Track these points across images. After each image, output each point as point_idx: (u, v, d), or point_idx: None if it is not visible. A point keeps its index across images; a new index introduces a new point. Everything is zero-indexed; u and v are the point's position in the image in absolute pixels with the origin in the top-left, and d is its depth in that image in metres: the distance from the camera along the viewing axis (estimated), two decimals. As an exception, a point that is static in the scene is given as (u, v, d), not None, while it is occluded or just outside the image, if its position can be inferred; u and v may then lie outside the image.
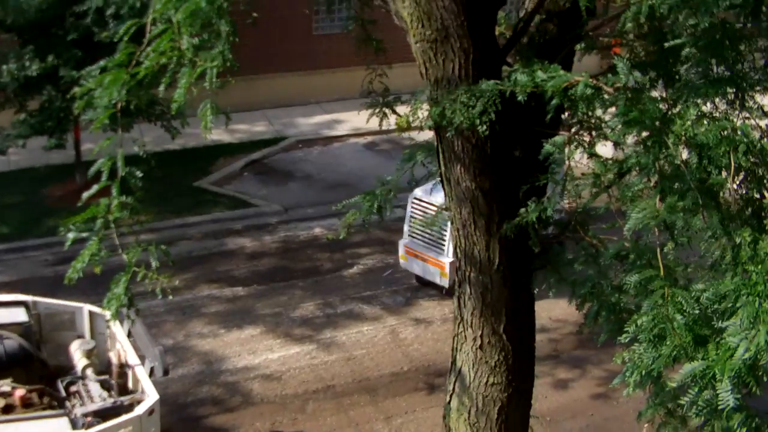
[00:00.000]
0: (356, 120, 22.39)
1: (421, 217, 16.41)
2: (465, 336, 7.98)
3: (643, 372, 5.05)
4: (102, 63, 6.09)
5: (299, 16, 24.73)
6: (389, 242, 18.24)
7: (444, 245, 16.08)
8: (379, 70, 9.03)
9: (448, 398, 8.38)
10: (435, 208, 15.88)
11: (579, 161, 6.26)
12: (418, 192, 15.99)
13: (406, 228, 16.93)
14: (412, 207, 16.58)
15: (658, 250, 5.43)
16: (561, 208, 7.20)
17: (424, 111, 6.64)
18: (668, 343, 4.94)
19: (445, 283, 16.31)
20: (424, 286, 16.99)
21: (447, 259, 15.98)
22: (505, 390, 7.97)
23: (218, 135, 22.64)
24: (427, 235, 16.34)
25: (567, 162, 6.16)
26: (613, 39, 7.05)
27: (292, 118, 24.98)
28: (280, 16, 24.53)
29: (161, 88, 6.06)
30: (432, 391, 14.05)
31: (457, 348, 8.17)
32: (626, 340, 5.20)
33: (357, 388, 14.12)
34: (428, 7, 6.26)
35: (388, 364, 14.72)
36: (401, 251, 16.92)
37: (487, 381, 7.96)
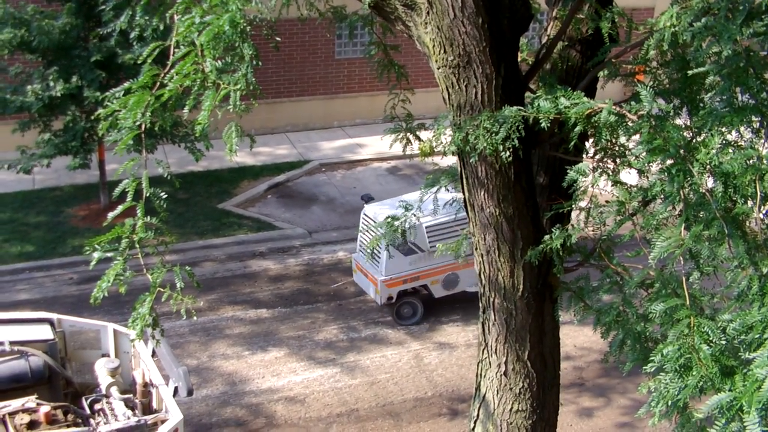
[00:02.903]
0: (379, 144, 22.53)
1: (367, 233, 16.45)
2: (489, 362, 7.93)
3: (669, 402, 4.98)
4: (126, 85, 6.11)
5: (322, 41, 24.94)
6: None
7: (379, 263, 16.02)
8: (402, 95, 9.04)
9: (472, 425, 8.32)
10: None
11: (603, 189, 6.22)
12: (367, 208, 16.38)
13: (358, 242, 17.07)
14: (362, 223, 16.63)
15: (684, 279, 5.38)
16: (586, 235, 7.15)
17: (447, 136, 6.62)
18: (694, 373, 4.87)
19: (378, 299, 16.30)
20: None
21: (380, 276, 15.96)
22: (530, 417, 7.91)
23: (242, 157, 22.79)
24: (368, 251, 16.28)
25: (591, 189, 6.12)
26: (637, 66, 7.01)
27: (315, 142, 25.07)
28: (302, 41, 24.76)
29: (185, 110, 6.09)
30: (455, 417, 13.94)
31: (481, 374, 8.11)
32: (652, 370, 5.13)
33: (380, 412, 14.04)
34: (450, 33, 6.25)
35: (411, 388, 14.64)
36: (353, 264, 17.07)
37: (512, 408, 7.90)
